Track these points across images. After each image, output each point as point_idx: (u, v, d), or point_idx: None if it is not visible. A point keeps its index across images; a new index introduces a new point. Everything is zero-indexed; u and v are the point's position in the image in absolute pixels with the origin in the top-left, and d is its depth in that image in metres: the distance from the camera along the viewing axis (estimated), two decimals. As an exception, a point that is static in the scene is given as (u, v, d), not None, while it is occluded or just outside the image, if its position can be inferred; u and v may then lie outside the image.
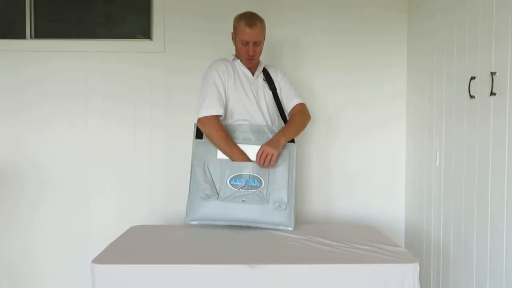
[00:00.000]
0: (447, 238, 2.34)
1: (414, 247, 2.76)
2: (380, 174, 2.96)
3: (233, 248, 1.91)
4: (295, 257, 1.80)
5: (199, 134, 2.26)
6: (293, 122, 2.36)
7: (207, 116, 2.21)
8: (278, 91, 2.42)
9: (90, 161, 2.91)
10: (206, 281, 1.68)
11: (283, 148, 2.21)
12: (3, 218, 2.91)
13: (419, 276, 1.71)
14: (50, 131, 2.90)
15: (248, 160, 2.18)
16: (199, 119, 2.23)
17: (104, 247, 1.89)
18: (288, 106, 2.43)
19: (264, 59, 2.49)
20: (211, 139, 2.20)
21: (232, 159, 2.18)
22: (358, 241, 1.96)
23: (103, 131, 2.91)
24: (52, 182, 2.90)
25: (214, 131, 2.19)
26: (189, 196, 2.21)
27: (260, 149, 2.16)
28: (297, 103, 2.42)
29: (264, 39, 2.36)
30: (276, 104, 2.40)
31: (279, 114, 2.42)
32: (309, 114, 2.44)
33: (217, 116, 2.24)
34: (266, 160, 2.13)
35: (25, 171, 2.90)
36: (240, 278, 1.68)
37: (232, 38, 2.37)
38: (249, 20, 2.27)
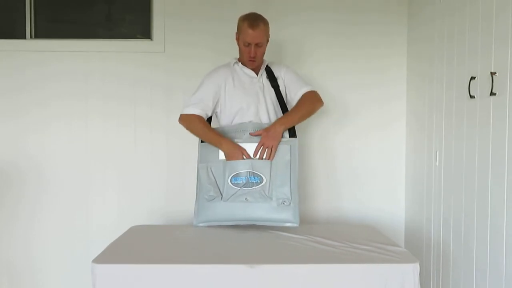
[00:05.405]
0: (447, 238, 2.34)
1: (414, 247, 2.76)
2: (380, 174, 2.96)
3: (233, 248, 1.91)
4: (295, 257, 1.80)
5: None
6: (297, 108, 2.31)
7: (186, 114, 2.28)
8: (281, 87, 2.41)
9: (90, 161, 2.91)
10: (206, 281, 1.68)
11: (284, 143, 2.20)
12: (3, 218, 2.90)
13: (419, 276, 1.71)
14: (51, 131, 2.90)
15: (239, 151, 2.17)
16: (179, 116, 2.30)
17: (104, 247, 1.89)
18: (296, 97, 2.36)
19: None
20: (192, 132, 2.27)
21: (214, 145, 2.20)
22: (358, 241, 1.96)
23: (103, 131, 2.91)
24: (52, 182, 2.90)
25: (192, 123, 2.26)
26: (196, 199, 2.24)
27: (259, 142, 2.17)
28: (306, 91, 2.35)
29: (267, 41, 2.36)
30: (279, 101, 2.39)
31: (282, 112, 2.40)
32: (319, 100, 2.37)
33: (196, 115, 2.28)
34: (266, 154, 2.16)
35: (26, 171, 2.90)
36: (240, 278, 1.68)
37: (236, 39, 2.38)
38: (252, 21, 2.27)
